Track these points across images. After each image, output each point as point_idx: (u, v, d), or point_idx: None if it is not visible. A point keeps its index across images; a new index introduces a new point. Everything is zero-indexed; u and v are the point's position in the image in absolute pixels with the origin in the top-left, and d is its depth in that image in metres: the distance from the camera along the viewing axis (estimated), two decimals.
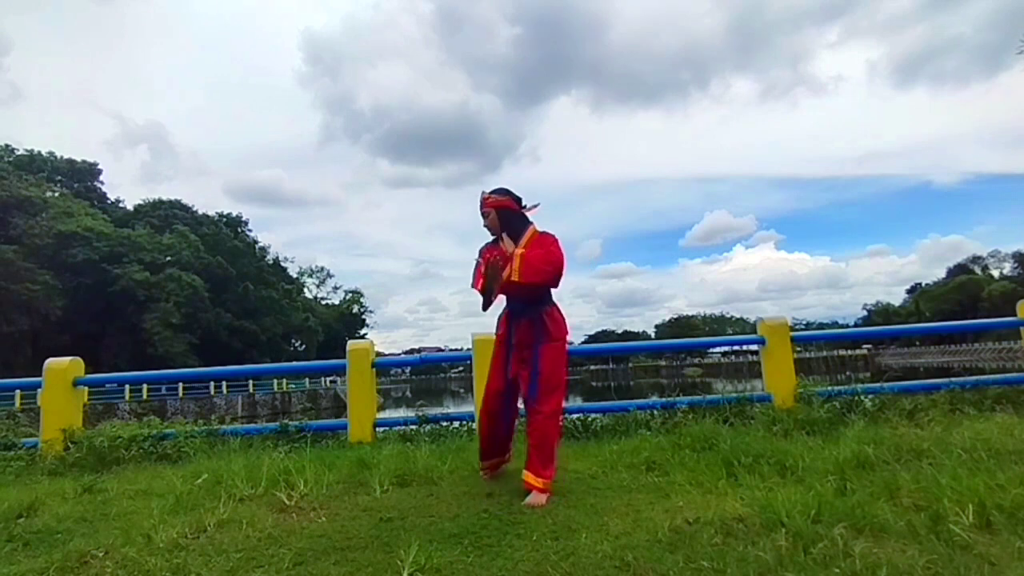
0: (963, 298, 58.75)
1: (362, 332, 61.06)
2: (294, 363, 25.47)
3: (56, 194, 40.20)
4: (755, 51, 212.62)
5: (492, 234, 3.00)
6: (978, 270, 66.24)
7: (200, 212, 47.86)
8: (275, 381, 34.78)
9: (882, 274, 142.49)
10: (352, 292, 67.06)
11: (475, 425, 3.11)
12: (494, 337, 3.10)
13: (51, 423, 4.77)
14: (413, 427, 4.76)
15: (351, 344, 5.09)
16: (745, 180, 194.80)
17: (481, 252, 2.98)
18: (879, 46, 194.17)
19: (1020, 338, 5.79)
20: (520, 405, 3.04)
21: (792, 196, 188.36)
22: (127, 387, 25.82)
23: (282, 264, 56.36)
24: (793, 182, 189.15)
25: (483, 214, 2.99)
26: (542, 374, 2.82)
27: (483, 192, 3.00)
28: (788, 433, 3.74)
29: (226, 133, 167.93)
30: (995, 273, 64.89)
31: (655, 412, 4.67)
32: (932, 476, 2.30)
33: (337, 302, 65.25)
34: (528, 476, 2.64)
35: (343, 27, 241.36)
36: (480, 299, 2.84)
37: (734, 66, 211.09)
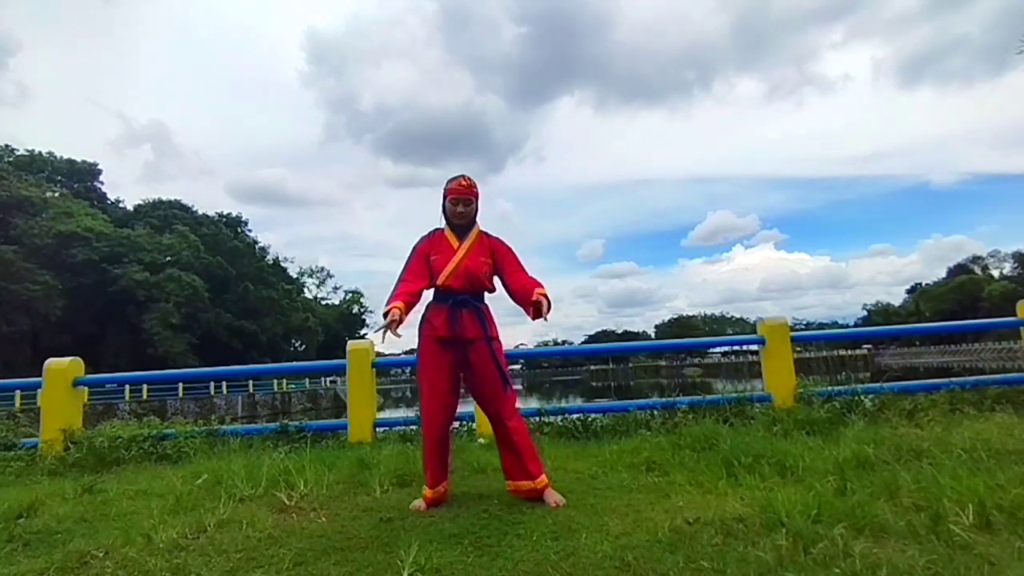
0: (963, 298, 58.76)
1: (362, 332, 61.05)
2: (294, 363, 25.38)
3: (56, 194, 40.15)
4: (759, 51, 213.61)
5: (461, 223, 2.71)
6: (978, 270, 66.29)
7: (200, 212, 47.92)
8: (275, 381, 34.74)
9: (883, 274, 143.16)
10: (352, 292, 67.31)
11: (422, 448, 2.64)
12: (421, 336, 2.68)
13: (51, 423, 4.78)
14: (413, 427, 4.76)
15: (351, 344, 5.08)
16: (748, 180, 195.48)
17: (417, 246, 2.71)
18: (884, 46, 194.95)
19: (1020, 338, 5.79)
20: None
21: (794, 196, 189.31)
22: (127, 387, 25.81)
23: (282, 264, 56.40)
24: (795, 182, 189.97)
25: (466, 200, 2.68)
26: (503, 371, 2.62)
27: (465, 176, 2.69)
28: (788, 433, 3.74)
29: (229, 133, 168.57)
30: (995, 273, 64.98)
31: (655, 412, 4.68)
32: (932, 476, 2.30)
33: (337, 302, 65.37)
34: (538, 482, 2.51)
35: (347, 27, 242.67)
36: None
37: (738, 66, 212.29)
